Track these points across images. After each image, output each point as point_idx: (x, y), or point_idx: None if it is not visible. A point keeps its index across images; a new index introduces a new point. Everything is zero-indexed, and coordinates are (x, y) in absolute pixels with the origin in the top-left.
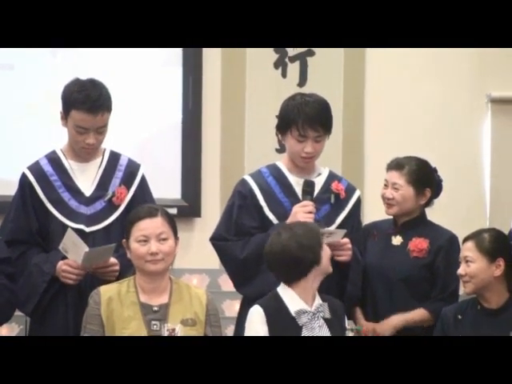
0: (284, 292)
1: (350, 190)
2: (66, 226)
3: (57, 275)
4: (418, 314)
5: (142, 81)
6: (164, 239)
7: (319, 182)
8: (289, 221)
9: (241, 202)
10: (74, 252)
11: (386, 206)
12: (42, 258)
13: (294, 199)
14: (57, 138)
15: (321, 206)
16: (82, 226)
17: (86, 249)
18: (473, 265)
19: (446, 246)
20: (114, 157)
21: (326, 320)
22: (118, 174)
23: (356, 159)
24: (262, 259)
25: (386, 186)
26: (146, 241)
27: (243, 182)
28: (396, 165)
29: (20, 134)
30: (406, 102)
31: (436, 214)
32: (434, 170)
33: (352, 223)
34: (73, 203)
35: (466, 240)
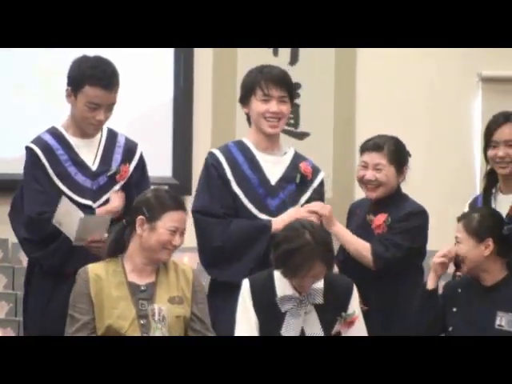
0: (277, 273)
1: (315, 171)
2: (73, 201)
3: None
4: (361, 243)
5: (134, 58)
6: (183, 234)
7: (286, 160)
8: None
9: (217, 174)
10: (67, 222)
11: (368, 189)
12: None
13: (261, 176)
14: (55, 115)
15: (286, 185)
16: (89, 202)
17: (81, 215)
18: (461, 246)
19: (404, 216)
20: (112, 134)
21: (316, 305)
22: (118, 151)
23: (347, 138)
24: (238, 248)
25: (363, 167)
26: (175, 232)
27: (212, 155)
28: (374, 146)
29: (18, 111)
30: (397, 81)
31: (427, 190)
32: (404, 146)
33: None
34: (79, 177)
35: (458, 220)
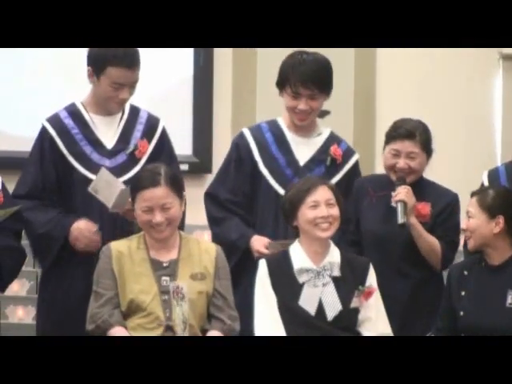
0: (293, 248)
1: (348, 155)
2: (88, 180)
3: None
4: (433, 239)
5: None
6: (168, 208)
7: (318, 142)
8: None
9: (237, 157)
10: (105, 192)
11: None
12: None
13: (290, 157)
14: (69, 92)
15: (315, 167)
16: None
17: (122, 186)
18: (472, 220)
19: (447, 208)
20: (134, 110)
21: (333, 278)
22: (139, 127)
23: (368, 117)
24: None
25: (395, 156)
26: (151, 210)
27: (241, 135)
28: (407, 133)
29: (32, 90)
30: (417, 59)
31: (448, 168)
32: (430, 132)
33: (346, 188)
34: (95, 156)
35: (472, 195)
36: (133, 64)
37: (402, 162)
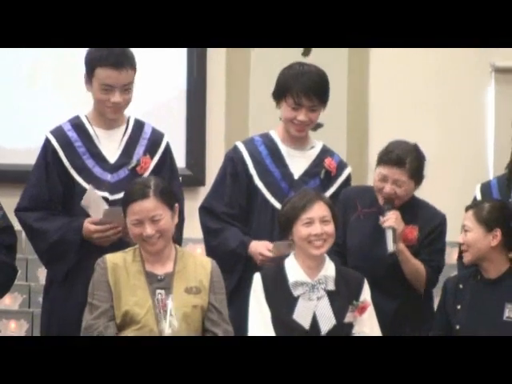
0: (288, 262)
1: (341, 167)
2: None
3: (87, 237)
4: (419, 264)
5: (147, 49)
6: (157, 220)
7: (312, 155)
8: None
9: (232, 170)
10: (93, 208)
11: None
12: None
13: (285, 170)
14: (66, 105)
15: (310, 180)
16: (105, 194)
17: (105, 206)
18: (470, 234)
19: (434, 231)
20: (139, 125)
21: (328, 292)
22: (143, 142)
23: (360, 127)
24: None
25: (383, 180)
26: (141, 223)
27: (235, 149)
28: (397, 160)
29: (30, 103)
30: (410, 72)
31: (440, 182)
32: (424, 158)
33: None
34: (97, 170)
35: (467, 209)
36: (119, 64)
37: (388, 188)
